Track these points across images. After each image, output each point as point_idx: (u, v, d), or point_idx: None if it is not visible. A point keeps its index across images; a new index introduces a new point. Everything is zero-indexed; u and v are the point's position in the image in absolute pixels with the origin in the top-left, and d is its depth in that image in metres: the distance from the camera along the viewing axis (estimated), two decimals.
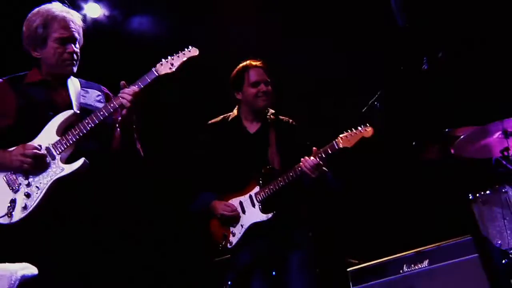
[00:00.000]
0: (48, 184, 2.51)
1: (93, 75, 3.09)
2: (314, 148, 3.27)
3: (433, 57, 3.38)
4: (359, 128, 3.23)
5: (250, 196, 3.42)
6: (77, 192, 2.58)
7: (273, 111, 3.62)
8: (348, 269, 3.98)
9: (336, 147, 3.22)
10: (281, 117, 3.62)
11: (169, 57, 2.65)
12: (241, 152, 3.49)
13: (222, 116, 3.66)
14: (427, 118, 3.90)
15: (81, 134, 2.58)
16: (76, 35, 2.74)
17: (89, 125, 2.59)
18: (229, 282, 4.35)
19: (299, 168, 3.27)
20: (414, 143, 3.94)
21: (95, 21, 5.40)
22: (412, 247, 3.84)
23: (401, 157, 4.50)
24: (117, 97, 2.63)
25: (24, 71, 2.80)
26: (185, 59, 2.64)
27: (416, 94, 3.85)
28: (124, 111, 2.63)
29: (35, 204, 2.49)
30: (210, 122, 3.66)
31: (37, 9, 2.72)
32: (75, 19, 2.77)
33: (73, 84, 2.80)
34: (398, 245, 3.97)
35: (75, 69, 2.77)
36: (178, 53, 2.66)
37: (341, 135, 3.23)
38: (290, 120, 3.64)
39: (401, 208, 4.62)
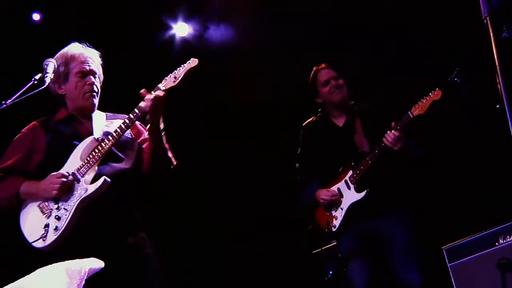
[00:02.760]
0: (75, 205, 2.65)
1: (185, 93, 3.22)
2: (392, 123, 3.50)
3: None
4: (429, 94, 3.45)
5: (346, 181, 3.72)
6: (107, 210, 2.71)
7: (352, 102, 3.89)
8: (443, 247, 4.04)
9: (411, 116, 3.48)
10: (363, 104, 3.89)
11: (172, 72, 2.77)
12: (333, 145, 3.81)
13: (312, 118, 4.00)
14: None
15: (100, 155, 2.72)
16: (95, 69, 2.95)
17: (107, 146, 2.73)
18: (330, 272, 4.60)
19: (382, 144, 3.51)
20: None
21: (184, 40, 5.76)
22: (506, 219, 3.82)
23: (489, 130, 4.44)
24: (132, 111, 2.74)
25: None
26: (186, 71, 2.74)
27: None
28: (148, 117, 2.73)
29: (65, 225, 2.63)
30: (305, 123, 4.00)
31: (59, 52, 2.96)
32: (93, 56, 2.98)
33: (98, 117, 2.97)
34: (492, 219, 3.96)
35: (95, 101, 2.93)
36: (180, 66, 2.77)
37: (414, 105, 3.48)
38: (373, 104, 3.89)
39: (491, 182, 4.55)
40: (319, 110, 3.97)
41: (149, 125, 2.79)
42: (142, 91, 2.74)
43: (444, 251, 3.97)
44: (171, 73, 2.78)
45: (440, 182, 4.74)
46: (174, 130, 2.96)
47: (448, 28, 4.60)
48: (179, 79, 2.74)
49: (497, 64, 2.11)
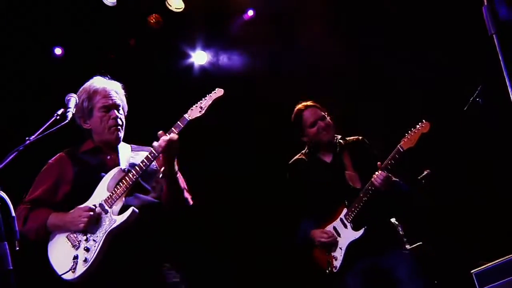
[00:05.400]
0: (104, 237, 2.65)
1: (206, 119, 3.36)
2: (378, 163, 3.44)
3: None
4: (417, 126, 3.40)
5: (341, 219, 3.60)
6: (134, 241, 2.71)
7: (339, 137, 3.77)
8: (472, 271, 3.93)
9: (402, 150, 3.40)
10: (348, 138, 3.78)
11: (198, 102, 2.75)
12: (324, 183, 3.68)
13: (298, 155, 3.84)
14: None
15: (128, 186, 2.73)
16: (118, 102, 2.93)
17: (134, 177, 2.74)
18: None
19: (371, 186, 3.45)
20: None
21: (202, 68, 5.84)
22: None
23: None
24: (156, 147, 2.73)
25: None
26: (212, 101, 2.74)
27: None
28: (162, 159, 2.73)
29: (94, 256, 2.63)
30: (291, 161, 3.85)
31: (82, 87, 2.97)
32: (115, 88, 2.97)
33: (124, 149, 2.97)
34: None
35: (120, 134, 2.93)
36: (206, 96, 2.76)
37: (403, 139, 3.41)
38: (359, 138, 3.77)
39: None
40: (305, 147, 3.83)
41: (162, 168, 2.78)
42: (159, 132, 2.73)
43: (473, 276, 3.87)
44: (196, 103, 2.76)
45: (468, 206, 4.66)
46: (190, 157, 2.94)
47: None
48: (205, 109, 2.73)
49: (508, 84, 2.01)
